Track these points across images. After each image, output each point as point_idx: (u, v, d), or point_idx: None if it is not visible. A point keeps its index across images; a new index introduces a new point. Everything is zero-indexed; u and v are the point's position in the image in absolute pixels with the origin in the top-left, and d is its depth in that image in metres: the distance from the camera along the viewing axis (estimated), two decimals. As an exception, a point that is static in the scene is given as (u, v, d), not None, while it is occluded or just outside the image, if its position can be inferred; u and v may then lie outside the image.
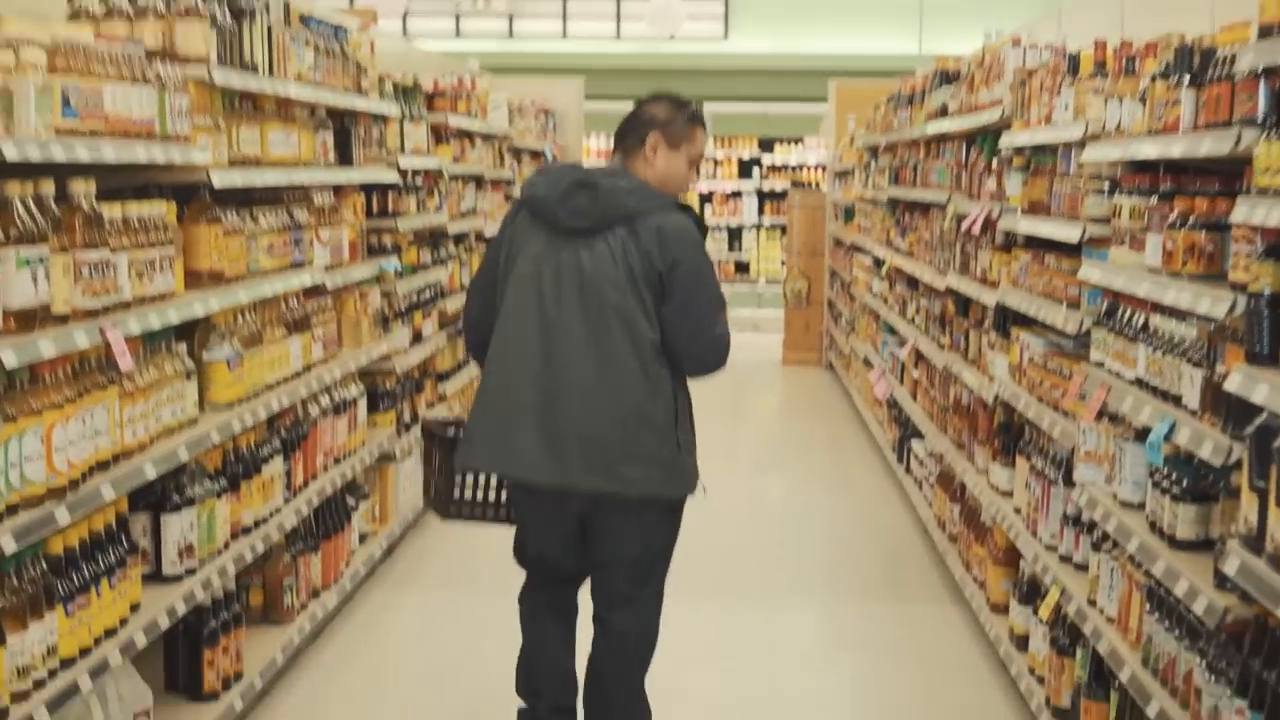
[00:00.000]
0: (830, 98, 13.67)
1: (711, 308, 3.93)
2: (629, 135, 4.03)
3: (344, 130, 6.26)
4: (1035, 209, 5.13)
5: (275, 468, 5.00)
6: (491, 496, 4.25)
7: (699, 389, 4.12)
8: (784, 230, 16.06)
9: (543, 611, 4.21)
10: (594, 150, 17.20)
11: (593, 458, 3.83)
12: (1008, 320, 5.59)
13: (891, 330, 9.10)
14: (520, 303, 3.90)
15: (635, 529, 4.00)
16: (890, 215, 9.35)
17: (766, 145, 17.49)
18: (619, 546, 4.02)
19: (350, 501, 6.09)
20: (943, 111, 7.19)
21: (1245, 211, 3.10)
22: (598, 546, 4.04)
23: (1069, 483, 4.61)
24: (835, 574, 6.89)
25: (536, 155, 12.28)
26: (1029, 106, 5.25)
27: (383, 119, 6.84)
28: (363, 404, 6.28)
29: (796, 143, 17.47)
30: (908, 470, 8.02)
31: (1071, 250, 4.78)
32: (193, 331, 4.57)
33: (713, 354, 3.97)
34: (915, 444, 7.79)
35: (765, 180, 17.44)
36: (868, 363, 10.13)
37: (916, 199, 8.04)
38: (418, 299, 7.52)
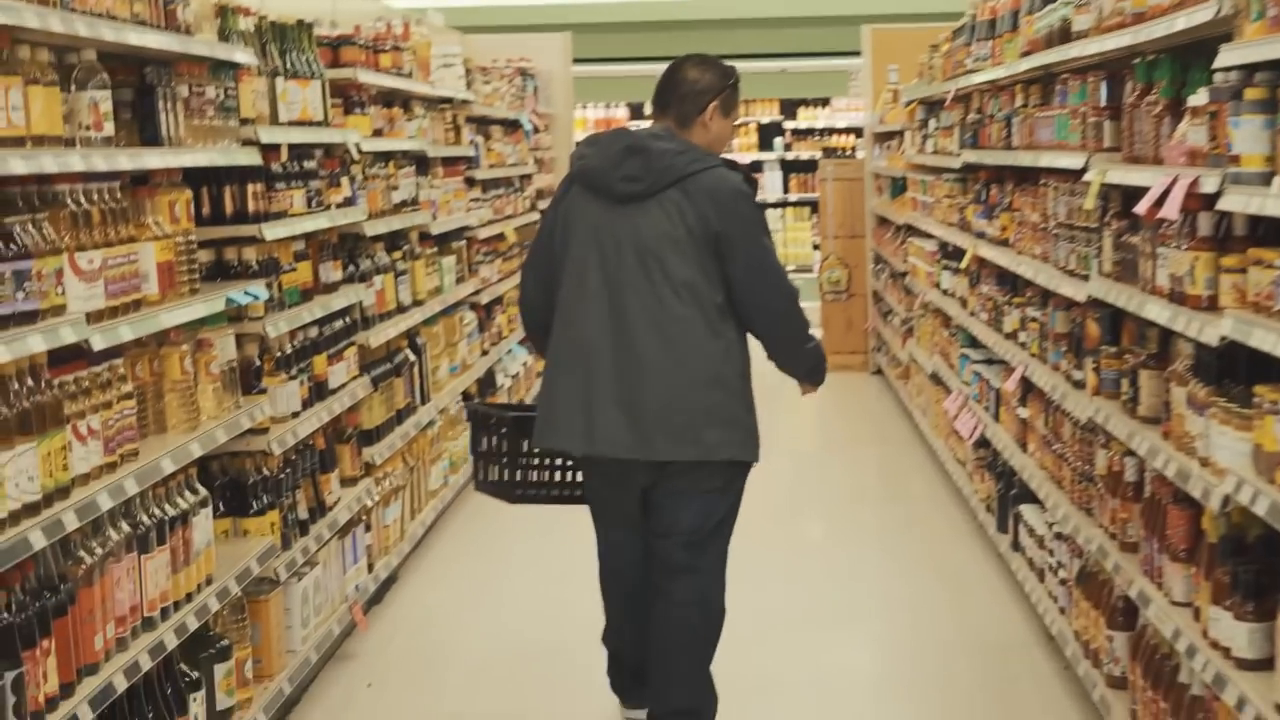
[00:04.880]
0: (865, 48, 11.43)
1: (775, 263, 4.07)
2: (685, 103, 4.08)
3: (146, 88, 4.01)
4: (1312, 176, 2.83)
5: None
6: (558, 477, 4.42)
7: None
8: (814, 208, 13.74)
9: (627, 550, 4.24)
10: (589, 121, 14.85)
11: (675, 427, 3.91)
12: (1236, 369, 3.30)
13: (974, 342, 6.80)
14: (581, 279, 3.98)
15: (697, 497, 4.05)
16: (964, 188, 7.06)
17: (789, 109, 15.07)
18: (679, 515, 4.05)
19: (188, 674, 3.85)
20: (1062, 34, 4.87)
21: None
22: (657, 516, 4.09)
23: None
24: (918, 699, 4.67)
25: (512, 127, 10.03)
26: (1281, -6, 2.94)
27: (230, 70, 4.53)
28: (205, 515, 4.02)
29: (824, 104, 15.06)
30: (1015, 546, 5.72)
31: None
32: None
33: (794, 309, 4.09)
34: (1028, 511, 5.50)
35: (789, 149, 15.01)
36: (938, 380, 7.81)
37: (1016, 164, 5.72)
38: (319, 336, 5.25)
